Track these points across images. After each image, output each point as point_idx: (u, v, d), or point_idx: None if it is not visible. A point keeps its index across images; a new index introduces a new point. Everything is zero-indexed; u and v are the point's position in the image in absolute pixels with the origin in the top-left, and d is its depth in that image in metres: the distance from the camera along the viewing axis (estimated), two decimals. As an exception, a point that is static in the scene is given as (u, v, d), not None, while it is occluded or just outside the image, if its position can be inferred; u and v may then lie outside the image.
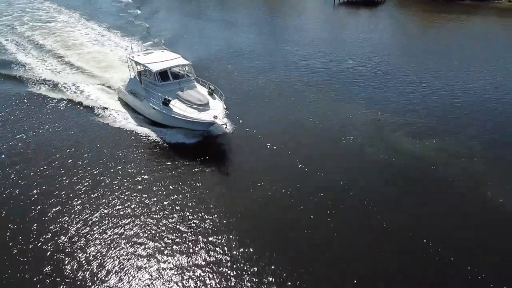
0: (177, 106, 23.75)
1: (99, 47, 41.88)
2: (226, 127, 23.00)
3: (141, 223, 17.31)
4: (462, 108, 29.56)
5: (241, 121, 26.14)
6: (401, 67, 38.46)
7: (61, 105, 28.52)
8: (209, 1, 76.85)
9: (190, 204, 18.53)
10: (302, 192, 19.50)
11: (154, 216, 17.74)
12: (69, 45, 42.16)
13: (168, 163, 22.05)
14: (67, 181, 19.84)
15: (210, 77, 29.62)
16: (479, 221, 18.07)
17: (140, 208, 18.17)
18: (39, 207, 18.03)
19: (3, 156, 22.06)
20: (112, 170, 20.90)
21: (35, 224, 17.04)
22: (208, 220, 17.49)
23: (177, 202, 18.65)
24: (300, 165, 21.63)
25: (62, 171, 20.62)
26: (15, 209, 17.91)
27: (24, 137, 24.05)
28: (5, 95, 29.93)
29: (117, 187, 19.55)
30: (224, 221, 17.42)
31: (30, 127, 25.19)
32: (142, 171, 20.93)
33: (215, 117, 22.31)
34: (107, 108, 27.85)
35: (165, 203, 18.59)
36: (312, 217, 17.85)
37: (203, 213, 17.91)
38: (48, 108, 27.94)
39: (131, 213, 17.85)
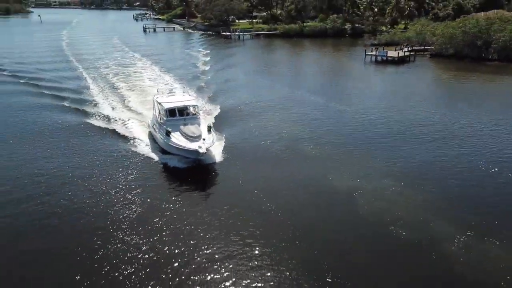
0: (175, 137, 28.22)
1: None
2: (202, 155, 26.44)
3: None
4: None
5: (238, 159, 29.42)
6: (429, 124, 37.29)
7: (104, 133, 34.74)
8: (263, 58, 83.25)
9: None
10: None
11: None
12: (132, 87, 50.04)
13: (161, 180, 26.57)
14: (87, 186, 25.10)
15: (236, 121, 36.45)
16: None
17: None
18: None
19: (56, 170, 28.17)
20: (113, 181, 25.76)
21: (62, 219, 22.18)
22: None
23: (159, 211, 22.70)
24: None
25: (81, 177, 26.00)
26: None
27: (65, 157, 30.28)
28: (65, 123, 37.14)
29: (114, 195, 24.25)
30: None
31: (73, 148, 31.44)
32: (138, 184, 25.48)
33: (199, 147, 26.28)
34: (137, 138, 33.33)
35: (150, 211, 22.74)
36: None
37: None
38: (93, 134, 34.29)
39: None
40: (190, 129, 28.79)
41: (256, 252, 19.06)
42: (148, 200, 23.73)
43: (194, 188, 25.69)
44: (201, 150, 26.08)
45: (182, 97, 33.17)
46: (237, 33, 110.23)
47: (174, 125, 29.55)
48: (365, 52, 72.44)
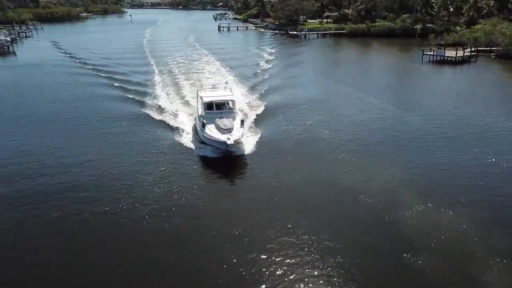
0: (209, 128, 29.78)
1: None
2: (230, 146, 27.75)
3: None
4: None
5: (269, 153, 30.20)
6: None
7: (154, 123, 37.41)
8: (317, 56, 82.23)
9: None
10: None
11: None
12: (191, 81, 53.02)
13: (194, 168, 28.29)
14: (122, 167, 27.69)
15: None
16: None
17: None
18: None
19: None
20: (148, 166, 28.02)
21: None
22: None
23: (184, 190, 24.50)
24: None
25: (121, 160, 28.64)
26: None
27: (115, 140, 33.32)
28: (123, 113, 40.41)
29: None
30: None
31: (123, 135, 34.40)
32: (174, 169, 27.51)
33: (228, 138, 27.61)
34: (182, 129, 35.41)
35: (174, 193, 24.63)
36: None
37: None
38: (144, 124, 37.10)
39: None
40: (224, 122, 30.19)
41: (267, 237, 19.93)
42: (179, 184, 25.48)
43: (220, 176, 27.09)
44: (228, 142, 27.36)
45: (221, 92, 34.83)
46: (304, 33, 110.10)
47: (211, 117, 31.18)
48: (423, 52, 68.93)
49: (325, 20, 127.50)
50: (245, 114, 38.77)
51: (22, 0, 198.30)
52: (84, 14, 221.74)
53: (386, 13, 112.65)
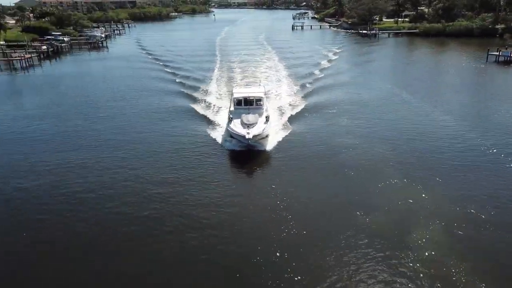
0: (234, 123, 30.55)
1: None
2: (249, 141, 28.15)
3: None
4: None
5: (289, 151, 29.95)
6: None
7: (195, 117, 38.91)
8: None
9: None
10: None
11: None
12: (246, 78, 54.14)
13: (218, 159, 29.09)
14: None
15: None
16: None
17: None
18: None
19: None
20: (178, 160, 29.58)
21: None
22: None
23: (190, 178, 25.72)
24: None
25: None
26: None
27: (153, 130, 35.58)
28: (171, 106, 42.59)
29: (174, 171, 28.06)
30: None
31: (168, 125, 36.59)
32: (199, 158, 28.71)
33: (247, 133, 28.17)
34: (217, 123, 36.31)
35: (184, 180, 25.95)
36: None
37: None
38: (186, 118, 38.79)
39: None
40: (248, 117, 30.72)
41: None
42: (200, 172, 26.72)
43: (236, 168, 27.76)
44: (247, 136, 27.88)
45: (252, 89, 35.43)
46: (374, 32, 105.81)
47: (238, 113, 31.92)
48: (488, 52, 62.90)
49: (401, 19, 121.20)
50: (281, 112, 38.95)
51: (122, 1, 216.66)
52: (174, 14, 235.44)
53: (465, 12, 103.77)
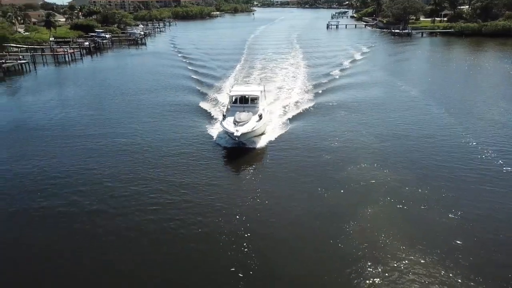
0: (227, 121, 31.00)
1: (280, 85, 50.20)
2: (238, 138, 28.48)
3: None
4: None
5: (281, 150, 29.92)
6: None
7: (200, 114, 39.47)
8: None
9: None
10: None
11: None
12: (265, 77, 54.40)
13: (210, 154, 29.53)
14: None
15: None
16: None
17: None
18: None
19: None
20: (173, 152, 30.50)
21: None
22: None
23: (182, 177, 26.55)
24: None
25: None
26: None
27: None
28: (182, 104, 43.46)
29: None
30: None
31: (174, 121, 37.71)
32: (190, 153, 29.37)
33: (236, 130, 28.57)
34: (216, 119, 37.02)
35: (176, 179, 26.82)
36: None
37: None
38: (191, 115, 39.53)
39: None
40: (241, 115, 30.99)
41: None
42: (187, 165, 27.36)
43: (223, 165, 28.11)
44: (235, 133, 28.28)
45: (249, 88, 35.49)
46: (407, 31, 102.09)
47: (234, 110, 32.34)
48: None
49: (439, 18, 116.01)
50: (285, 111, 38.94)
51: (166, 0, 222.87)
52: (215, 12, 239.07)
53: (505, 11, 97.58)
